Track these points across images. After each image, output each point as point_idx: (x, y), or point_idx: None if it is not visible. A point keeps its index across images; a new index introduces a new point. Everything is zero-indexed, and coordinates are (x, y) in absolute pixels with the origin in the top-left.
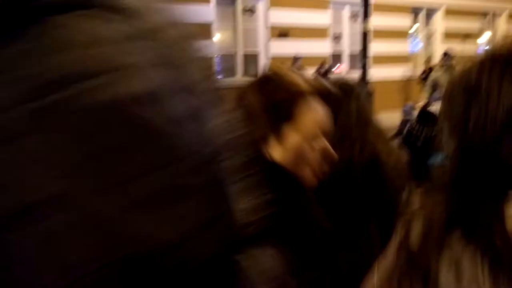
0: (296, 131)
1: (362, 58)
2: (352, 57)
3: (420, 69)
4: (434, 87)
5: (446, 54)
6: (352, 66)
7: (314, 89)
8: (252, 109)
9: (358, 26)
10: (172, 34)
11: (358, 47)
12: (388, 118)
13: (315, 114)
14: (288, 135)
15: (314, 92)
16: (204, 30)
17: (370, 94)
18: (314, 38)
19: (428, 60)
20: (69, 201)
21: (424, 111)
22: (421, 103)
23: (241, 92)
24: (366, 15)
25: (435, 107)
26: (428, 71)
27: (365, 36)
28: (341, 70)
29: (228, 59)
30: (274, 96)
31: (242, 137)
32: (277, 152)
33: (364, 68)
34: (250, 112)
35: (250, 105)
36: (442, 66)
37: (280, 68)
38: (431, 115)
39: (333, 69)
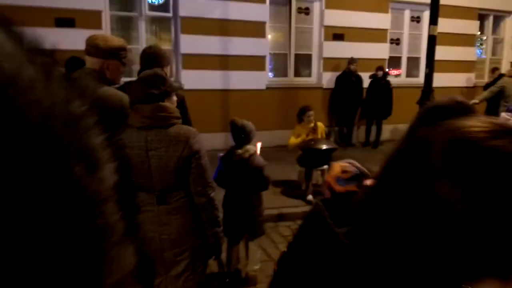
0: None
1: (427, 63)
2: (410, 61)
3: (485, 76)
4: (500, 93)
5: None
6: (409, 71)
7: None
8: (454, 219)
9: (418, 30)
10: None
11: (417, 52)
12: None
13: None
14: None
15: None
16: (258, 29)
17: None
18: (371, 41)
19: (494, 68)
20: None
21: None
22: (475, 101)
23: (424, 178)
24: (433, 19)
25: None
26: (497, 78)
27: (431, 41)
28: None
29: (280, 59)
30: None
31: None
32: None
33: (429, 74)
34: (449, 222)
35: (446, 202)
36: None
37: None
38: None
39: (389, 73)
